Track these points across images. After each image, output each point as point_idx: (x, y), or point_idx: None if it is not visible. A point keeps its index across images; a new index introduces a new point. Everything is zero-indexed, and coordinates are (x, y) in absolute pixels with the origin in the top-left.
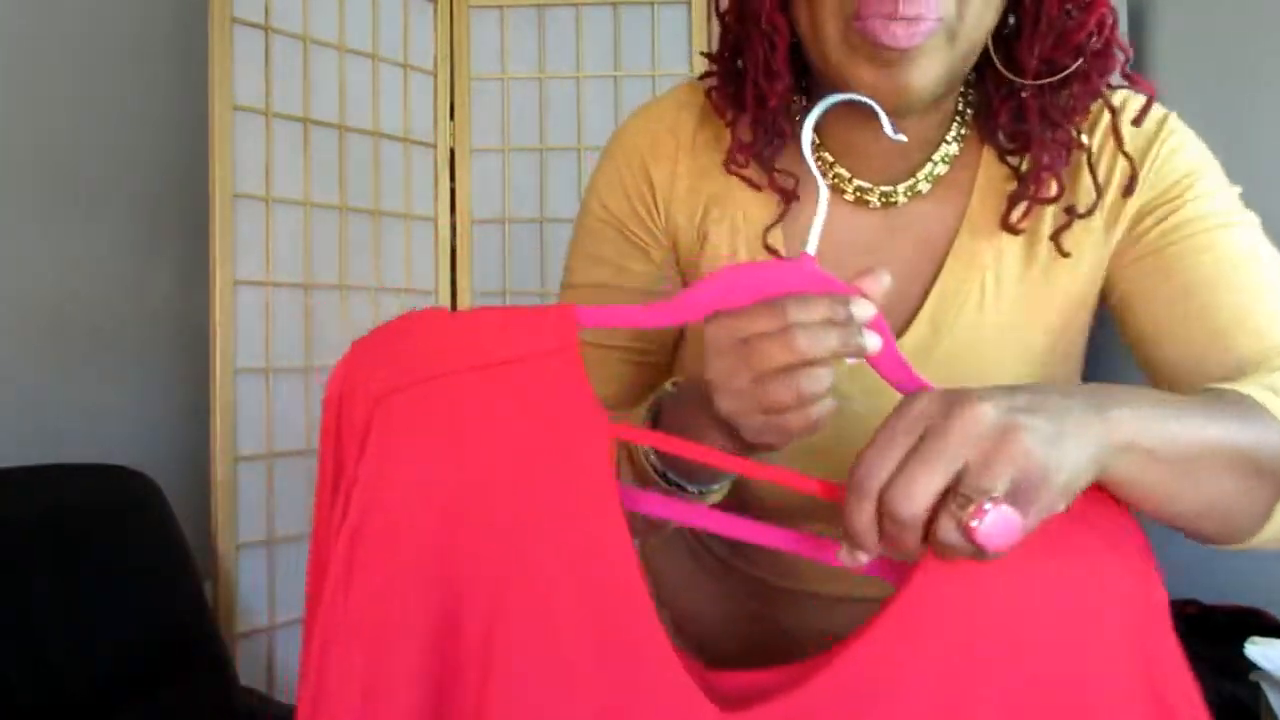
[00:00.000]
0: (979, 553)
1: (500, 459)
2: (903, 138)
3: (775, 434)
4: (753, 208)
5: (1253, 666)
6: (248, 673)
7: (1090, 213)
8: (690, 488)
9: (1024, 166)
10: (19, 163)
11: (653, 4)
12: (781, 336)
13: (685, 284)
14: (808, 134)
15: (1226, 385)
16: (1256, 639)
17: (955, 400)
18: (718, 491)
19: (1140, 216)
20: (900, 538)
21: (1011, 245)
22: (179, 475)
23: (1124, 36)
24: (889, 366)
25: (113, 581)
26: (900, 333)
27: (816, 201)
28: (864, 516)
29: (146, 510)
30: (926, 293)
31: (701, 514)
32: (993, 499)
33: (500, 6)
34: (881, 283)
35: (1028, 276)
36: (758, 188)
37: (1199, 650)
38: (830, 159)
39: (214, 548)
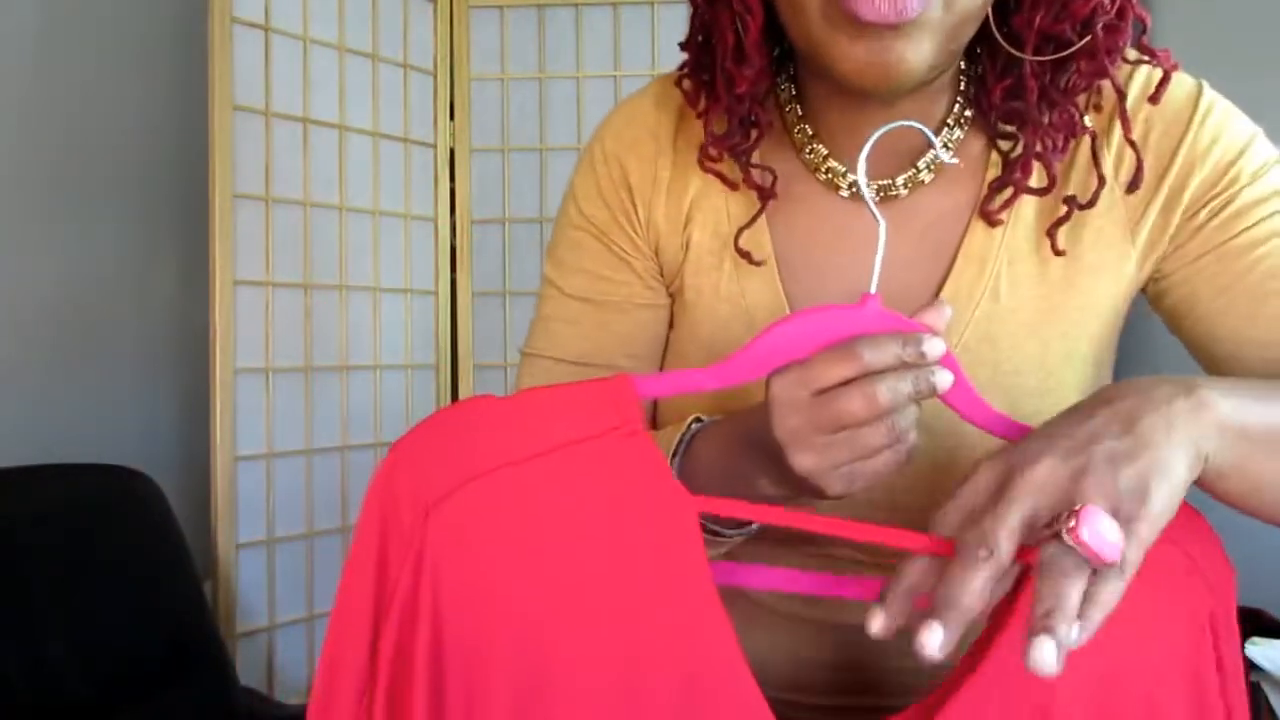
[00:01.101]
0: (1093, 564)
1: (580, 550)
2: (957, 162)
3: (864, 480)
4: (735, 208)
5: (1253, 666)
6: (247, 673)
7: (1091, 204)
8: (726, 532)
9: (1016, 152)
10: (19, 163)
11: (652, 4)
12: (860, 387)
13: (671, 295)
14: (862, 167)
15: None
16: (1256, 639)
17: (1025, 449)
18: (749, 533)
19: (1192, 210)
20: (969, 574)
21: (1028, 244)
22: (179, 475)
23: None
24: (964, 402)
25: (113, 581)
26: None
27: (797, 194)
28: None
29: (146, 510)
30: (938, 287)
31: (792, 578)
32: (1075, 508)
33: (500, 6)
34: (944, 315)
35: (1045, 269)
36: (734, 186)
37: None
38: (824, 152)
39: (214, 548)
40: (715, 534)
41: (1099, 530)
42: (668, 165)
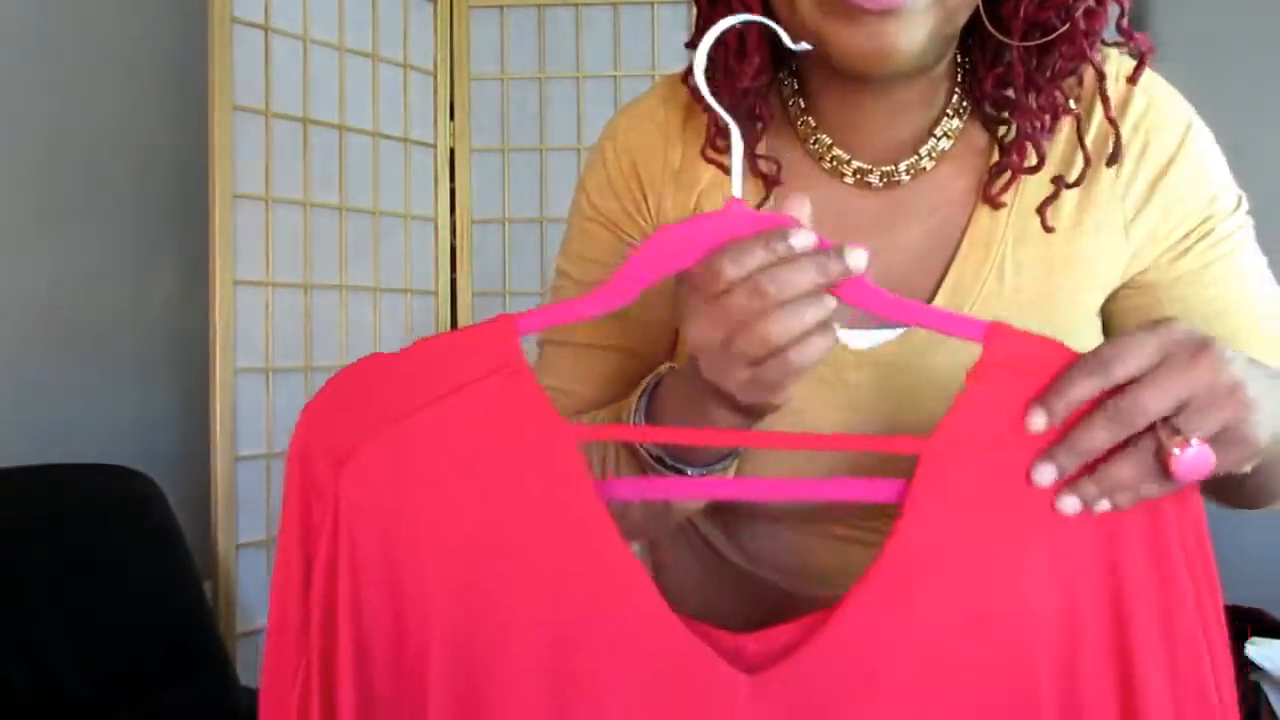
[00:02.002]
0: (1158, 483)
1: (477, 491)
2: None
3: (759, 390)
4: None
5: (1253, 666)
6: (248, 673)
7: (1079, 183)
8: (691, 471)
9: (1010, 137)
10: (19, 163)
11: (652, 4)
12: (744, 283)
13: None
14: (700, 62)
15: None
16: (1256, 639)
17: (1205, 344)
18: (721, 471)
19: (1181, 239)
20: (1094, 437)
21: (1032, 228)
22: (179, 475)
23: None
24: (857, 295)
25: (113, 582)
26: None
27: (802, 183)
28: (1087, 389)
29: (146, 510)
30: (943, 273)
31: (687, 485)
32: (1200, 438)
33: (500, 6)
34: (804, 207)
35: (1048, 252)
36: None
37: None
38: (828, 141)
39: (214, 548)
40: (682, 472)
41: (1196, 468)
42: (677, 157)
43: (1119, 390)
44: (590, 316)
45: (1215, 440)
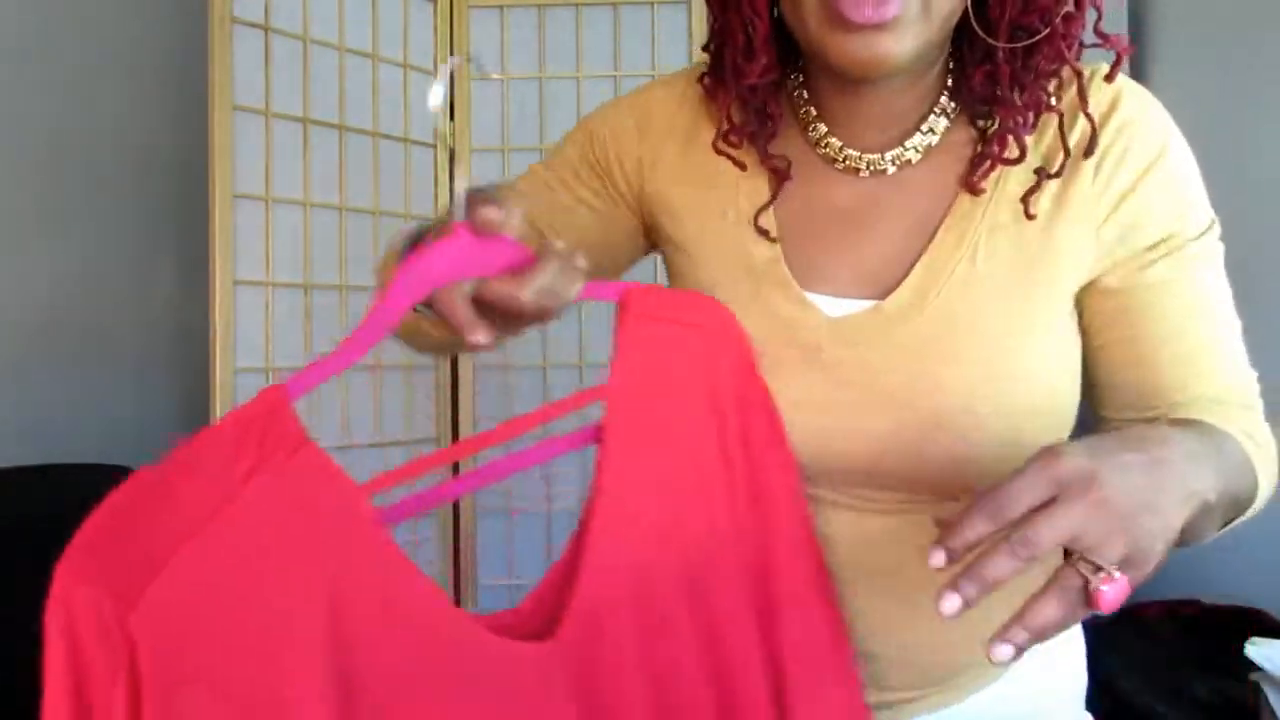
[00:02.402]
0: (1080, 614)
1: (289, 578)
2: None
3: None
4: (745, 188)
5: (1253, 666)
6: None
7: (1059, 174)
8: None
9: (993, 128)
10: (18, 163)
11: (653, 4)
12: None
13: (669, 265)
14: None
15: (1220, 423)
16: (1256, 639)
17: (1093, 476)
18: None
19: (1147, 249)
20: (998, 565)
21: (1008, 217)
22: None
23: (1124, 35)
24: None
25: None
26: (883, 297)
27: (803, 172)
28: (981, 530)
29: None
30: (919, 255)
31: (444, 493)
32: (1119, 570)
33: (500, 6)
34: (511, 219)
35: (1022, 241)
36: (743, 167)
37: (1199, 650)
38: (824, 130)
39: None
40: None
41: (1118, 598)
42: (677, 152)
43: (1020, 521)
44: (355, 359)
45: (1121, 563)
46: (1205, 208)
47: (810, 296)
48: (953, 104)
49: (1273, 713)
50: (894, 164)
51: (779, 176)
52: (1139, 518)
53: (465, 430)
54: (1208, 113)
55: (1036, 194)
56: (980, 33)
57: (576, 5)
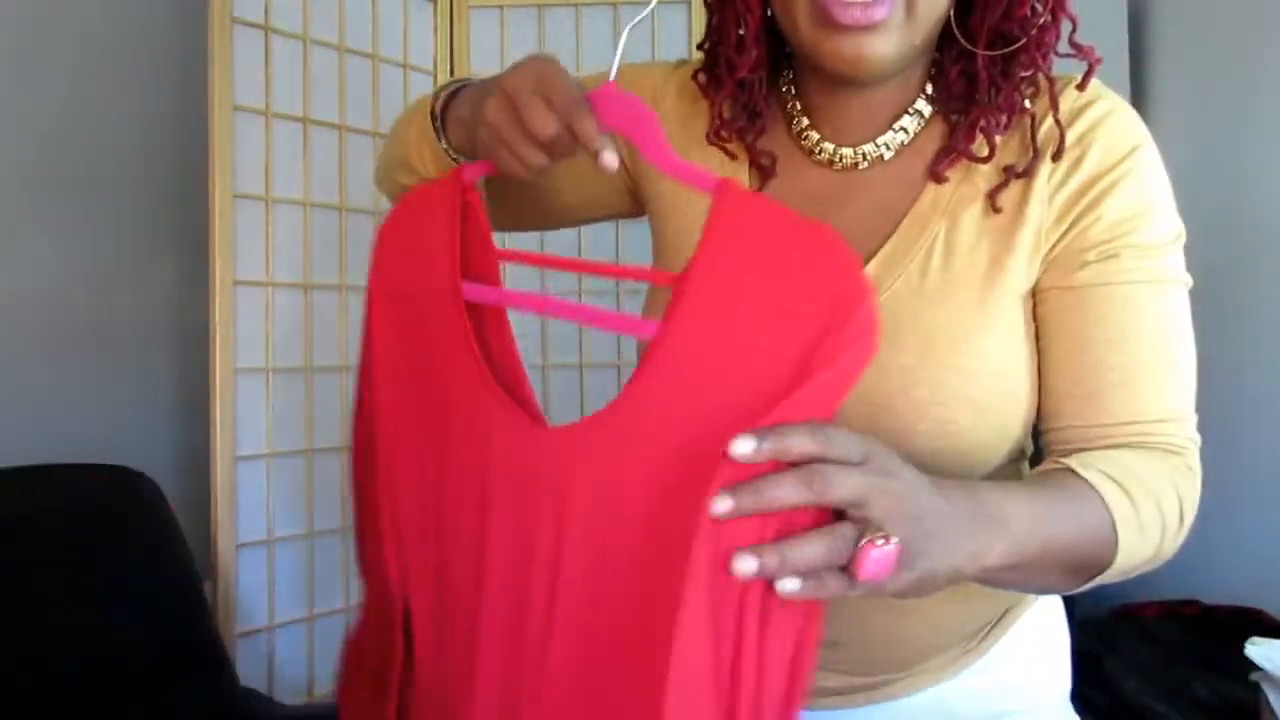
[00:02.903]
0: (836, 577)
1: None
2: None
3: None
4: (727, 175)
5: (1253, 666)
6: (248, 673)
7: (1026, 173)
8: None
9: (961, 124)
10: (18, 162)
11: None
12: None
13: (656, 238)
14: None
15: (1077, 464)
16: (1256, 639)
17: (897, 472)
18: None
19: (1085, 247)
20: (781, 488)
21: (972, 213)
22: (179, 475)
23: (1123, 37)
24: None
25: (113, 582)
26: None
27: (786, 163)
28: (798, 444)
29: (146, 510)
30: (882, 243)
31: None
32: (892, 540)
33: (500, 6)
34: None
35: (981, 239)
36: (733, 156)
37: (1199, 650)
38: (807, 123)
39: (214, 548)
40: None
41: (878, 566)
42: (685, 113)
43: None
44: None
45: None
46: (1167, 224)
47: None
48: (929, 105)
49: (1273, 713)
50: (865, 159)
51: (763, 174)
52: (923, 523)
53: None
54: (1207, 113)
55: (1002, 191)
56: (962, 39)
57: (576, 5)
